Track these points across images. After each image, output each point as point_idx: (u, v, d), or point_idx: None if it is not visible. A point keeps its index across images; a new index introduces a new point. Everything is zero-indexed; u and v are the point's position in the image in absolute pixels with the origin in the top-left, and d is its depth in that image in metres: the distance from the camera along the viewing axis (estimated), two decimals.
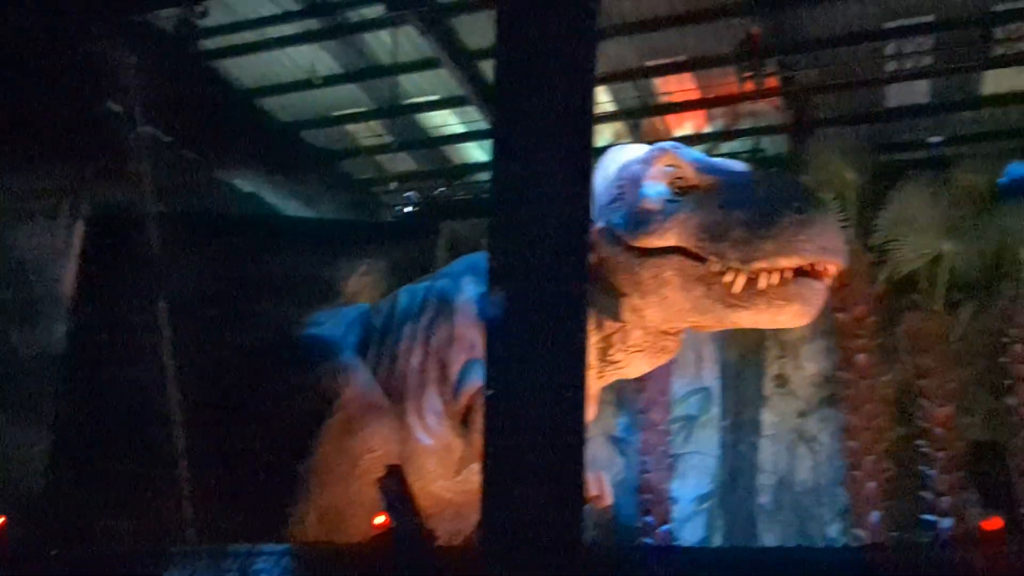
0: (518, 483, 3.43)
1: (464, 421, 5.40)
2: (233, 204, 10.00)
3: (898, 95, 9.90)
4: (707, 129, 10.77)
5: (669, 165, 4.74)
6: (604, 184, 5.01)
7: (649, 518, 9.07)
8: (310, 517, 5.42)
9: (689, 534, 9.27)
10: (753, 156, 10.34)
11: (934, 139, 10.33)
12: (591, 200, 3.77)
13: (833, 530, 9.10)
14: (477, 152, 11.57)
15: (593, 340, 4.93)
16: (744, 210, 4.40)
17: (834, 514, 9.18)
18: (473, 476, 5.80)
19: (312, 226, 10.06)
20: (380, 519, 3.77)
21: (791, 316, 4.44)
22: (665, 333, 5.09)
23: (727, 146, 10.75)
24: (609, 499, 5.62)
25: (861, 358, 9.15)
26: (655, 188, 4.71)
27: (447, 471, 5.72)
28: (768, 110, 10.07)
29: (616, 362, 5.22)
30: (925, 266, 9.07)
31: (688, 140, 10.78)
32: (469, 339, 5.63)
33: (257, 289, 7.48)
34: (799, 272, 4.34)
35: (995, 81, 9.50)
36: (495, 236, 3.68)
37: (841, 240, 4.39)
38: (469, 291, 5.75)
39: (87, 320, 7.31)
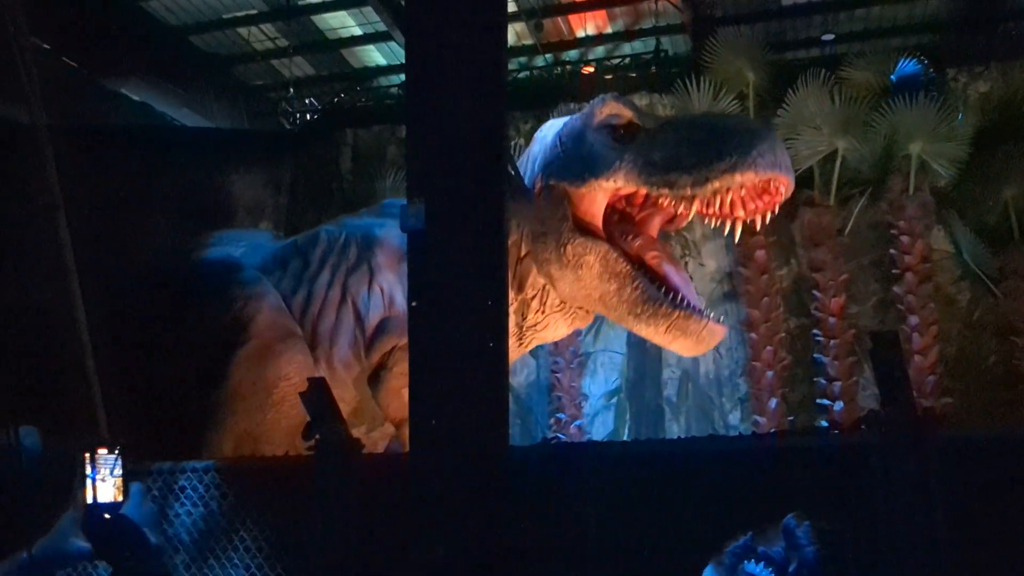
0: (443, 402, 3.49)
1: (375, 378, 5.32)
2: (122, 115, 9.57)
3: None
4: (609, 30, 10.73)
5: (611, 114, 4.54)
6: (543, 150, 4.84)
7: (561, 415, 9.36)
8: (226, 446, 5.31)
9: (599, 428, 9.61)
10: (655, 56, 10.40)
11: (827, 37, 10.55)
12: (504, 110, 3.74)
13: (734, 418, 9.56)
14: (376, 55, 11.28)
15: (512, 298, 4.87)
16: (694, 139, 4.28)
17: (734, 403, 9.62)
18: (378, 437, 5.76)
19: (208, 137, 9.72)
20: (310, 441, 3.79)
21: (682, 347, 4.49)
22: (548, 308, 5.07)
23: (629, 46, 10.76)
24: None
25: (760, 254, 9.48)
26: (598, 137, 4.55)
27: (352, 424, 5.65)
28: (668, 10, 10.08)
29: (534, 325, 5.16)
30: (820, 163, 9.37)
31: (590, 41, 10.76)
32: (388, 291, 5.43)
33: (154, 206, 7.19)
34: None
35: None
36: (411, 148, 3.65)
37: (788, 158, 4.28)
38: (394, 237, 5.40)
39: None
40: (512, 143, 9.73)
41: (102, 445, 2.07)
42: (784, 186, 4.21)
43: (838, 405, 9.01)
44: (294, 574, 3.86)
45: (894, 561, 3.12)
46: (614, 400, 9.78)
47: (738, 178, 4.09)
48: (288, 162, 10.43)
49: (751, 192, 4.19)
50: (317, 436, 3.86)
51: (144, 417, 5.43)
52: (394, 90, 11.06)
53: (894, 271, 9.28)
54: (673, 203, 4.30)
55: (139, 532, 1.98)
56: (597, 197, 4.53)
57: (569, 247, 4.57)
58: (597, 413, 9.72)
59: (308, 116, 11.15)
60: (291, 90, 11.11)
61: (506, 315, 3.63)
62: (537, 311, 5.12)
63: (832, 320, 9.24)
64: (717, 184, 4.12)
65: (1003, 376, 9.04)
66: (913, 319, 9.05)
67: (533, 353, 9.94)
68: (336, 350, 5.50)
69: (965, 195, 9.28)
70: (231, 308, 5.64)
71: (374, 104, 11.09)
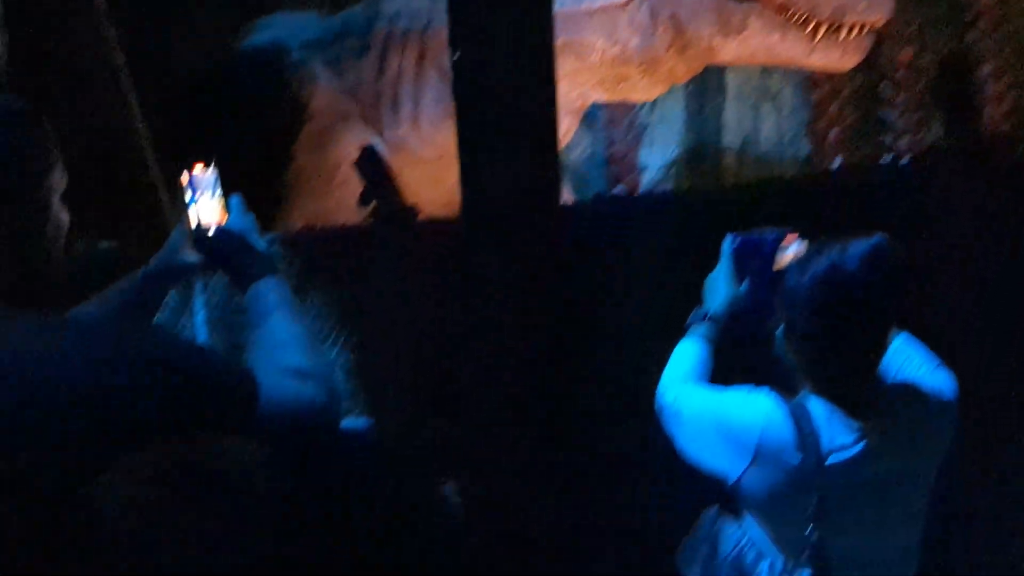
0: (492, 152, 3.48)
1: None
2: None
3: None
4: None
5: None
6: None
7: (619, 188, 9.31)
8: (296, 227, 5.48)
9: None
10: None
11: None
12: None
13: None
14: None
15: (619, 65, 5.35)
16: None
17: (797, 165, 9.46)
18: None
19: None
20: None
21: (849, 61, 5.11)
22: (694, 69, 5.46)
23: None
24: None
25: None
26: None
27: (447, 172, 5.69)
28: None
29: (631, 86, 5.56)
30: None
31: None
32: None
33: None
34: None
35: None
36: None
37: None
38: None
39: None
40: None
41: (197, 162, 2.22)
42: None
43: (904, 160, 8.81)
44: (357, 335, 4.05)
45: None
46: (672, 171, 9.68)
47: (871, 16, 4.79)
48: None
49: None
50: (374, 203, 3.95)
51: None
52: None
53: (965, 17, 8.77)
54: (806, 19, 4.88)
55: (244, 240, 2.13)
56: None
57: (732, 16, 5.10)
58: (656, 185, 9.66)
59: None
60: None
61: (553, 66, 3.54)
62: (640, 76, 5.41)
63: (900, 73, 8.86)
64: (855, 18, 4.81)
65: None
66: (986, 68, 8.64)
67: (588, 126, 9.80)
68: (421, 110, 5.49)
69: None
70: (282, 95, 5.63)
71: None
